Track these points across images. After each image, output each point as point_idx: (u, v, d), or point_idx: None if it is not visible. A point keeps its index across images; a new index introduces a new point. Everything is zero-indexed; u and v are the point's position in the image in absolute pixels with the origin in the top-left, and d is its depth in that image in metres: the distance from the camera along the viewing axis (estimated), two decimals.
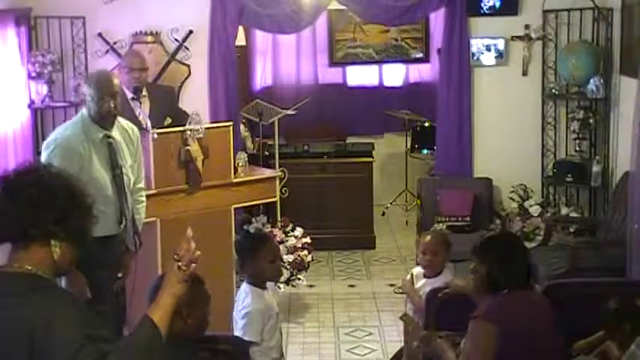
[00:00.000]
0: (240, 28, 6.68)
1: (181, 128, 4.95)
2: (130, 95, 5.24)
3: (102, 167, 4.04)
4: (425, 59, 8.62)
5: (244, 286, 3.55)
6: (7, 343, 2.05)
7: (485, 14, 6.44)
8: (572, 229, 6.12)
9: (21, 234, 2.13)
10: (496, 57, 6.49)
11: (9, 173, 2.21)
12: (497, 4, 6.42)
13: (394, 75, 8.75)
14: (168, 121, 5.38)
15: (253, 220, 5.70)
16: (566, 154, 6.48)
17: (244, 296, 3.49)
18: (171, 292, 2.23)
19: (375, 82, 8.76)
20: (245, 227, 3.73)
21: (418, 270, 4.14)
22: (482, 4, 6.41)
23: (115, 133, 4.14)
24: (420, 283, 4.07)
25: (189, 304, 2.80)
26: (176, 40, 6.28)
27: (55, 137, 4.07)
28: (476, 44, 6.46)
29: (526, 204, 6.34)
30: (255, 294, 3.48)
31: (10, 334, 2.05)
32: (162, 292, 2.22)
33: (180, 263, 2.29)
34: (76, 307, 2.13)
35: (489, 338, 3.05)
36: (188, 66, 6.34)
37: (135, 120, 5.19)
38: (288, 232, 5.91)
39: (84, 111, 4.11)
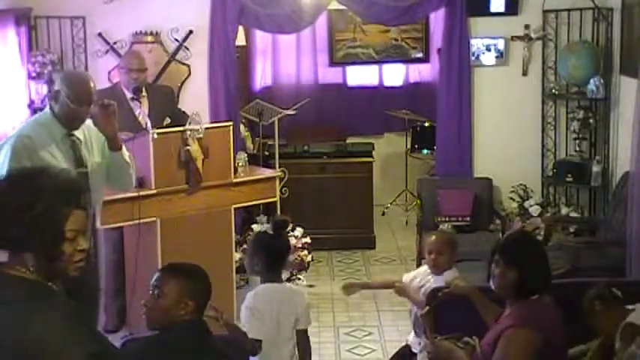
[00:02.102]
0: (240, 28, 6.68)
1: (181, 128, 4.95)
2: (129, 95, 5.25)
3: (65, 165, 3.77)
4: (425, 59, 8.62)
5: (278, 285, 3.64)
6: None
7: (486, 14, 6.43)
8: (572, 229, 6.12)
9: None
10: (496, 57, 6.49)
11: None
12: (498, 4, 6.41)
13: (394, 75, 8.74)
14: (168, 121, 5.38)
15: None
16: (566, 154, 6.49)
17: (295, 295, 3.66)
18: None
19: (375, 82, 8.76)
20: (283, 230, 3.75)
21: (425, 268, 4.18)
22: (489, 5, 6.39)
23: (78, 132, 3.95)
24: (426, 279, 4.10)
25: (193, 294, 2.81)
26: (176, 40, 6.29)
27: (10, 138, 3.86)
28: (476, 44, 6.46)
29: (526, 204, 6.35)
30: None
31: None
32: None
33: None
34: (69, 320, 2.08)
35: (533, 347, 3.01)
36: (188, 66, 6.35)
37: (134, 120, 5.21)
38: (288, 232, 5.91)
39: (47, 110, 3.92)
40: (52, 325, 2.01)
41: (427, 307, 3.79)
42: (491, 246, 3.36)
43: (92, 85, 3.94)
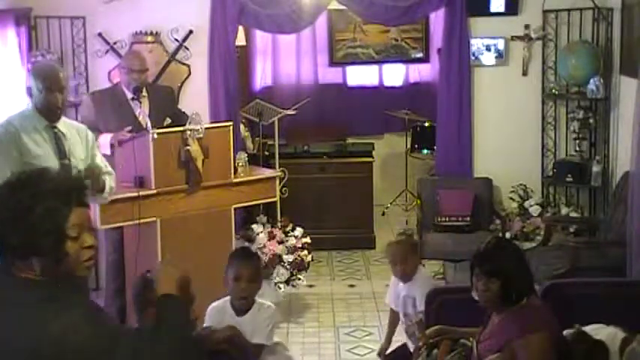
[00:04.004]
0: (240, 28, 6.68)
1: (181, 128, 4.95)
2: (129, 95, 5.24)
3: (48, 156, 3.95)
4: (425, 59, 8.63)
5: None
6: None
7: (486, 14, 6.43)
8: (572, 229, 6.12)
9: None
10: (496, 57, 6.48)
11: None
12: (498, 4, 6.41)
13: (394, 75, 8.75)
14: (168, 121, 5.38)
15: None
16: (566, 154, 6.48)
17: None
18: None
19: (375, 82, 8.77)
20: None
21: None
22: (489, 5, 6.38)
23: (62, 126, 4.10)
24: (398, 287, 4.08)
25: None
26: (176, 40, 6.28)
27: None
28: (476, 44, 6.46)
29: (526, 204, 6.34)
30: None
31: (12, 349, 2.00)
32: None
33: None
34: (86, 320, 2.07)
35: (550, 347, 3.02)
36: (188, 66, 6.34)
37: (134, 120, 5.21)
38: (288, 232, 5.91)
39: (29, 104, 4.09)
40: (69, 325, 2.00)
41: (420, 316, 3.81)
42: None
43: (60, 71, 4.13)
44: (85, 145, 4.21)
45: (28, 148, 3.93)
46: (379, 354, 4.27)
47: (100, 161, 4.31)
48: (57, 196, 2.10)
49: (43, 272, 2.08)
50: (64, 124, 4.13)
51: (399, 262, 3.99)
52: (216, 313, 3.47)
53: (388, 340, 4.27)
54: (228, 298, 3.48)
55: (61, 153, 4.02)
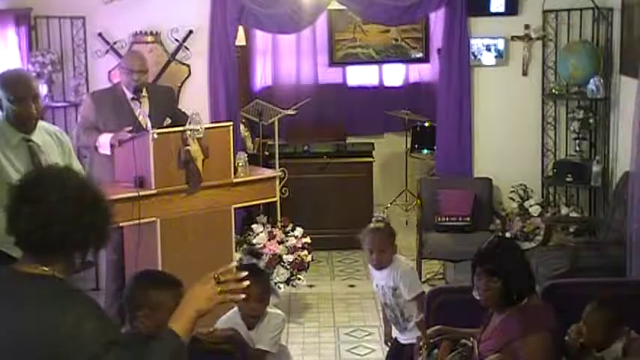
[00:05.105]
0: (240, 28, 6.68)
1: (181, 128, 4.95)
2: (130, 96, 5.24)
3: (21, 171, 3.65)
4: (425, 59, 8.63)
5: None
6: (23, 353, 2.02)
7: (486, 14, 6.43)
8: (572, 229, 6.12)
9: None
10: (496, 57, 6.49)
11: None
12: (498, 4, 6.41)
13: (394, 75, 8.75)
14: (168, 121, 5.38)
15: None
16: (566, 154, 6.49)
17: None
18: (197, 308, 2.16)
19: (375, 82, 8.77)
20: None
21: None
22: (489, 5, 6.38)
23: (37, 136, 3.89)
24: (374, 276, 4.01)
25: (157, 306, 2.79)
26: (176, 40, 6.28)
27: None
28: (476, 44, 6.46)
29: (526, 204, 6.35)
30: None
31: (27, 344, 2.01)
32: (187, 305, 2.17)
33: (220, 286, 2.19)
34: (96, 311, 2.10)
35: (551, 347, 3.03)
36: (188, 66, 6.35)
37: (134, 120, 5.21)
38: (288, 232, 5.91)
39: (0, 116, 3.86)
40: (76, 321, 2.01)
41: (421, 316, 3.80)
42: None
43: (30, 79, 3.90)
44: (62, 151, 4.06)
45: (2, 167, 3.76)
46: (386, 342, 4.18)
47: (76, 167, 4.10)
48: (100, 193, 2.15)
49: (65, 267, 2.10)
50: (39, 132, 3.94)
51: (376, 252, 3.85)
52: (228, 324, 3.45)
53: (388, 324, 4.14)
54: (236, 309, 3.46)
55: (36, 165, 3.77)
